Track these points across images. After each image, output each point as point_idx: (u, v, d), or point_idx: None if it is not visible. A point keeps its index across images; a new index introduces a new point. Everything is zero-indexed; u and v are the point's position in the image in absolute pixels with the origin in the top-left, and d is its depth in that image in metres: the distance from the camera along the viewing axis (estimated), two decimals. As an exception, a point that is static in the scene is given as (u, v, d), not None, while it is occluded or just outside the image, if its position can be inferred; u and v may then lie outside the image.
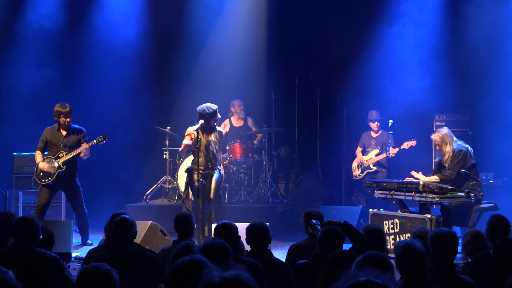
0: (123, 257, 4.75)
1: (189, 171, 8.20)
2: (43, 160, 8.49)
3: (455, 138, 8.10)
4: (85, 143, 8.52)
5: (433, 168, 8.77)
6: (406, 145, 9.80)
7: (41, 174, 8.47)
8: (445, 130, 8.14)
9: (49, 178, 8.45)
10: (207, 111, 8.02)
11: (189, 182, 8.20)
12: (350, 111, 11.72)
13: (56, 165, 8.45)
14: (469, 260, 5.27)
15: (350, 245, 5.20)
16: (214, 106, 8.13)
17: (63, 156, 8.46)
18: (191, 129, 8.11)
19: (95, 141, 8.52)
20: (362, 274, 2.28)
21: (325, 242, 4.79)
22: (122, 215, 5.08)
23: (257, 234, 5.01)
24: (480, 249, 5.21)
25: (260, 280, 4.49)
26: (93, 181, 10.37)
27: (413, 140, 9.78)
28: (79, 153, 8.47)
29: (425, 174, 8.28)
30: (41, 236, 4.89)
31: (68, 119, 8.45)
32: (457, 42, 10.61)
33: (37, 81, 11.05)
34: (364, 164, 10.47)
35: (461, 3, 10.58)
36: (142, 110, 11.82)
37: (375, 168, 10.37)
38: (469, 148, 8.05)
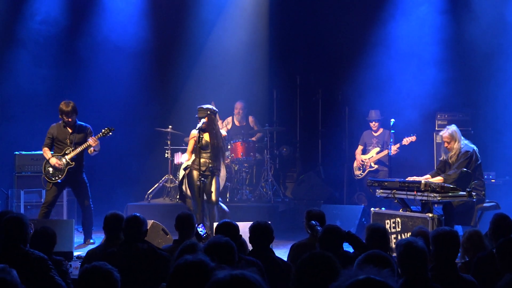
0: (134, 254, 4.76)
1: (189, 170, 8.22)
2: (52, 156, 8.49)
3: (462, 137, 8.11)
4: (91, 137, 8.48)
5: (436, 165, 8.75)
6: (406, 141, 9.80)
7: (51, 172, 8.46)
8: (453, 127, 8.14)
9: (59, 176, 8.44)
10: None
11: (189, 182, 8.22)
12: (352, 110, 11.70)
13: (65, 161, 8.45)
14: (467, 259, 5.27)
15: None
16: (205, 106, 8.18)
17: (70, 152, 8.46)
18: (194, 132, 8.14)
19: (100, 134, 8.50)
20: (361, 273, 2.28)
21: (325, 241, 4.79)
22: (133, 214, 5.11)
23: (261, 233, 5.03)
24: (477, 247, 5.21)
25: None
26: (94, 180, 10.37)
27: (412, 135, 9.79)
28: (86, 148, 8.45)
29: (427, 173, 8.27)
30: (31, 231, 4.85)
31: (70, 119, 8.42)
32: (459, 41, 10.58)
33: (39, 81, 11.07)
34: (365, 163, 10.45)
35: (465, 2, 10.55)
36: (144, 109, 11.83)
37: (376, 166, 10.35)
38: (475, 148, 8.03)
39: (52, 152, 8.56)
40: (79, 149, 8.44)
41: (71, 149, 8.47)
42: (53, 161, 8.43)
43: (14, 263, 4.30)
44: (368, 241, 5.16)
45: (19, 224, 4.63)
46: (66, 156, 8.45)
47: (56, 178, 8.46)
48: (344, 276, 2.30)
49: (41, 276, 4.46)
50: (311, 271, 3.00)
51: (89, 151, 8.48)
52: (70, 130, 8.52)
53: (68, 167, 8.45)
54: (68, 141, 8.50)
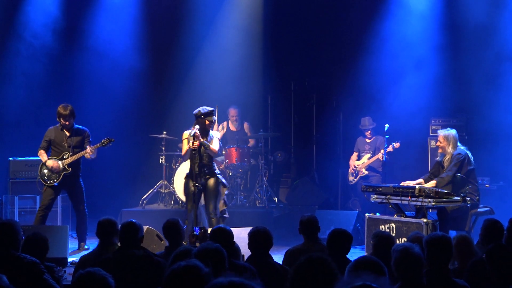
0: (129, 260, 4.74)
1: (186, 177, 8.12)
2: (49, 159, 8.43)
3: (458, 144, 8.10)
4: (89, 145, 8.43)
5: (430, 168, 8.77)
6: (390, 147, 9.80)
7: (46, 175, 8.40)
8: (453, 131, 8.14)
9: (55, 180, 8.39)
10: (202, 111, 7.97)
11: (185, 189, 8.13)
12: (346, 116, 11.73)
13: (61, 166, 8.40)
14: (456, 264, 5.27)
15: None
16: (210, 108, 8.08)
17: (67, 157, 8.41)
18: (187, 133, 8.04)
19: (99, 144, 8.44)
20: (358, 280, 2.28)
21: (334, 244, 4.84)
22: (129, 220, 5.08)
23: (260, 239, 5.03)
24: (466, 253, 5.20)
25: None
26: (89, 186, 10.34)
27: (397, 142, 9.79)
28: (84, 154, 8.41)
29: (421, 178, 8.28)
30: (23, 237, 4.82)
31: (67, 122, 8.36)
32: (453, 46, 10.62)
33: (34, 88, 11.06)
34: (357, 168, 10.47)
35: (458, 6, 10.59)
36: (138, 115, 11.83)
37: (367, 172, 10.37)
38: (469, 154, 8.05)
39: (49, 154, 8.50)
40: (76, 156, 8.39)
41: (69, 154, 8.41)
42: (50, 163, 8.35)
43: (5, 269, 4.28)
44: (376, 248, 5.12)
45: (8, 230, 4.60)
46: (63, 161, 8.40)
47: (52, 181, 8.40)
48: (340, 283, 2.31)
49: (34, 280, 4.44)
50: (308, 275, 2.99)
51: (86, 155, 8.42)
52: (67, 133, 8.47)
53: (64, 172, 8.42)
54: (66, 145, 8.45)
